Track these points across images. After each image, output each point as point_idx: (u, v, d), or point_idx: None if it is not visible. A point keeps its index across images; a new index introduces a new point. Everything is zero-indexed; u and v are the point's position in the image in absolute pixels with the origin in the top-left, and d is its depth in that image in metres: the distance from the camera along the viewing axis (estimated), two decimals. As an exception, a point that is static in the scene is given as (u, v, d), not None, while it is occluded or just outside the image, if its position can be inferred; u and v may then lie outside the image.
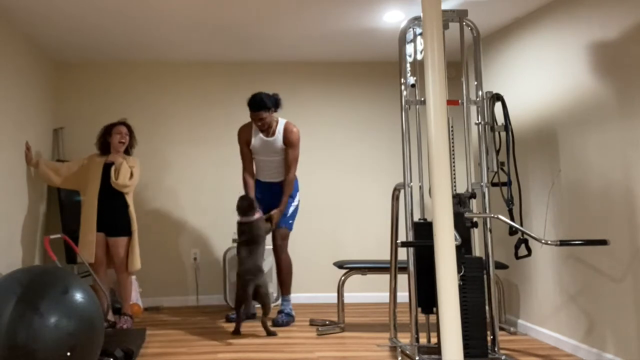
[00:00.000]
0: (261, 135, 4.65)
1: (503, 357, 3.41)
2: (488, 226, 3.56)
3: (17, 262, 4.26)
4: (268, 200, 4.66)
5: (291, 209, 4.70)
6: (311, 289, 5.53)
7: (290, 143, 4.61)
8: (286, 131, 4.62)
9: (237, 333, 4.24)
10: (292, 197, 4.69)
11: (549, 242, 3.25)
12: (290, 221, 4.70)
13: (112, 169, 4.49)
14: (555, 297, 3.95)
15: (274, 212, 4.57)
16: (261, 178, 4.74)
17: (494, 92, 3.68)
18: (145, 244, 5.37)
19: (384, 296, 5.48)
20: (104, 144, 4.60)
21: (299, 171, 4.74)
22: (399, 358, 3.59)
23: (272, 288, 5.27)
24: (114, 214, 4.48)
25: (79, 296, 2.85)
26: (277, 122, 4.65)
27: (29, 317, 2.67)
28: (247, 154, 4.73)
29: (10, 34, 4.26)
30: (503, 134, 3.71)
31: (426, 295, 3.52)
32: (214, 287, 5.50)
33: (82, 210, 4.50)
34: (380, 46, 5.12)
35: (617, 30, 3.38)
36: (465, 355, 3.25)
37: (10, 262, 4.12)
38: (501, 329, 4.37)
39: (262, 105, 4.50)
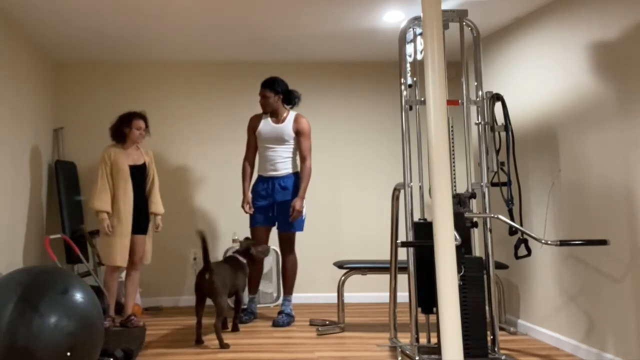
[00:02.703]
0: (270, 120, 4.68)
1: (503, 357, 3.41)
2: (488, 226, 3.56)
3: (17, 262, 4.26)
4: (272, 195, 4.62)
5: (303, 211, 4.64)
6: (311, 289, 5.53)
7: (302, 131, 4.63)
8: (297, 120, 4.65)
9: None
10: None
11: (549, 242, 3.25)
12: (299, 222, 4.63)
13: (150, 194, 4.59)
14: (555, 297, 3.95)
15: (295, 200, 4.51)
16: (263, 172, 4.67)
17: (494, 92, 3.68)
18: (145, 244, 5.38)
19: (384, 296, 5.48)
20: (121, 134, 4.54)
21: (299, 171, 4.74)
22: (399, 358, 3.59)
23: (272, 288, 5.27)
24: (139, 212, 4.52)
25: (79, 296, 2.85)
26: (287, 112, 4.69)
27: (29, 317, 2.67)
28: (251, 142, 4.77)
29: (10, 34, 4.26)
30: (503, 134, 3.71)
31: (426, 295, 3.52)
32: (214, 287, 5.50)
33: (114, 213, 4.38)
34: (380, 46, 5.13)
35: (617, 30, 3.38)
36: (465, 355, 3.25)
37: (10, 262, 4.12)
38: (501, 329, 4.37)
39: (270, 85, 4.63)
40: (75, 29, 4.51)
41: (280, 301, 5.17)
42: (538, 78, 4.14)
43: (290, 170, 4.64)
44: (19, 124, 4.43)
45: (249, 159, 4.77)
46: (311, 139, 4.71)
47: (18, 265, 4.26)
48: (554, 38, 3.95)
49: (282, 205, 4.60)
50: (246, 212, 4.64)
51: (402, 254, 3.94)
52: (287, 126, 4.63)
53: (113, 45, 4.97)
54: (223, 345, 3.90)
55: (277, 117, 4.67)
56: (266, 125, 4.69)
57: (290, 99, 4.71)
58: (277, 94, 4.63)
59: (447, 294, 2.58)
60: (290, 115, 4.68)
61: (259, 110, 4.81)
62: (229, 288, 4.15)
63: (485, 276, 3.48)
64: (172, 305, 5.44)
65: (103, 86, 5.55)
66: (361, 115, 5.72)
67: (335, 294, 5.43)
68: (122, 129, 4.54)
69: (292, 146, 4.66)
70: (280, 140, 4.64)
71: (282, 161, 4.64)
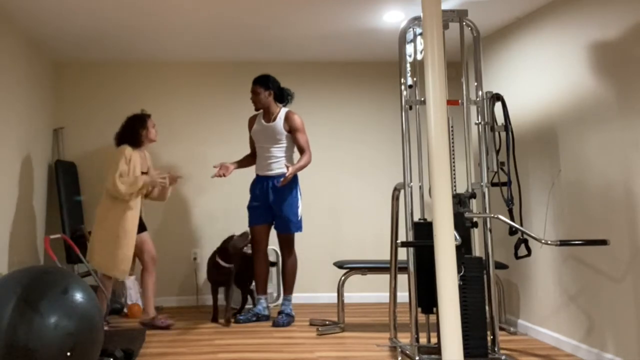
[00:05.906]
0: (263, 120, 4.68)
1: (503, 357, 3.41)
2: (488, 226, 3.56)
3: (17, 262, 4.26)
4: (267, 195, 4.61)
5: (298, 212, 4.64)
6: (311, 289, 5.53)
7: (295, 128, 4.60)
8: (287, 117, 4.62)
9: None
10: (296, 197, 4.65)
11: (549, 242, 3.25)
12: (295, 222, 4.63)
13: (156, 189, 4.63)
14: (555, 297, 3.95)
15: (288, 168, 4.41)
16: (259, 172, 4.67)
17: (494, 92, 3.68)
18: (145, 244, 5.37)
19: (384, 296, 5.48)
20: (138, 136, 4.48)
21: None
22: (399, 358, 3.59)
23: (272, 288, 5.28)
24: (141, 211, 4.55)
25: (79, 296, 2.85)
26: (279, 109, 4.67)
27: (29, 317, 2.67)
28: (251, 143, 4.83)
29: (10, 34, 4.26)
30: (503, 134, 3.71)
31: (426, 295, 3.53)
32: (214, 287, 5.50)
33: (122, 220, 4.32)
34: (380, 46, 5.13)
35: (617, 30, 3.38)
36: (465, 355, 3.25)
37: (10, 262, 4.12)
38: (501, 329, 4.37)
39: (260, 81, 4.65)
40: (76, 29, 4.51)
41: (280, 301, 5.17)
42: (538, 78, 4.14)
43: (284, 170, 4.57)
44: (19, 124, 4.43)
45: (250, 155, 4.85)
46: (306, 133, 4.67)
47: (18, 265, 4.26)
48: (554, 38, 3.95)
49: (277, 205, 4.59)
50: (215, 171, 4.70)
51: (402, 254, 3.94)
52: (278, 125, 4.62)
53: (113, 45, 4.97)
54: None
55: (268, 116, 4.67)
56: (259, 124, 4.69)
57: (282, 96, 4.70)
58: (268, 89, 4.61)
59: (447, 294, 2.58)
60: (281, 113, 4.65)
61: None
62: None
63: (485, 276, 3.49)
64: (172, 305, 5.44)
65: (103, 86, 5.55)
66: (361, 115, 5.72)
67: (335, 294, 5.43)
68: (138, 131, 4.47)
69: (285, 145, 4.64)
70: (272, 139, 4.62)
71: (276, 161, 4.62)
